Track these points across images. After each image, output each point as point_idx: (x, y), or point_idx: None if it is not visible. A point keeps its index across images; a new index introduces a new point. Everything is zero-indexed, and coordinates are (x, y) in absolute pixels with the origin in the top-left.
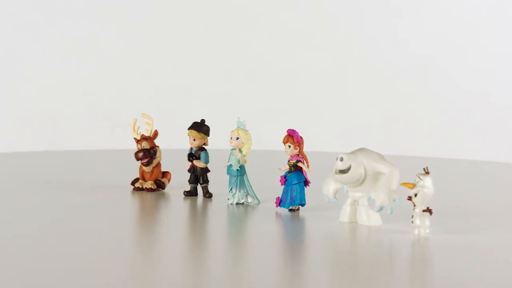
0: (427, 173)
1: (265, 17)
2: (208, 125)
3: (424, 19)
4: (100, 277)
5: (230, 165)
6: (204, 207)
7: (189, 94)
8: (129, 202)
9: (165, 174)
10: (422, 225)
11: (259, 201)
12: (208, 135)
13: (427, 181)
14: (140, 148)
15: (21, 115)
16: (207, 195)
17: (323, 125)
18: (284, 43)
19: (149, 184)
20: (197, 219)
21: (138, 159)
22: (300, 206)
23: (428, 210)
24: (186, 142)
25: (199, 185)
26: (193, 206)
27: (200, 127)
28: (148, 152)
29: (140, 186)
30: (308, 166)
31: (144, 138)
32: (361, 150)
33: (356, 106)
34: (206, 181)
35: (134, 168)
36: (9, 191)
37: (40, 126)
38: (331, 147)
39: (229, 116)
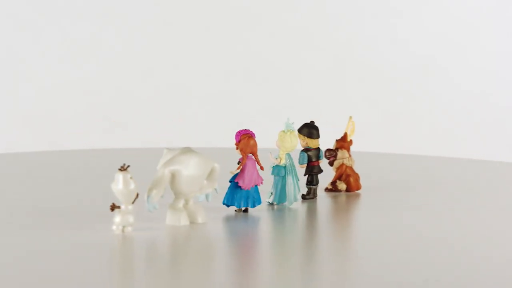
0: (122, 169)
1: (265, 17)
2: (312, 127)
3: (424, 19)
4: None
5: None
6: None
7: (189, 94)
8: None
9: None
10: (125, 222)
11: (277, 203)
12: (309, 137)
13: (118, 178)
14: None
15: (21, 115)
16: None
17: (323, 125)
18: (284, 43)
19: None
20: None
21: (324, 156)
22: (232, 206)
23: (116, 207)
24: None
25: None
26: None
27: (300, 129)
28: (333, 152)
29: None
30: (239, 167)
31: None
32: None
33: (356, 106)
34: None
35: (134, 169)
36: (8, 191)
37: (40, 126)
38: (331, 147)
39: (229, 116)
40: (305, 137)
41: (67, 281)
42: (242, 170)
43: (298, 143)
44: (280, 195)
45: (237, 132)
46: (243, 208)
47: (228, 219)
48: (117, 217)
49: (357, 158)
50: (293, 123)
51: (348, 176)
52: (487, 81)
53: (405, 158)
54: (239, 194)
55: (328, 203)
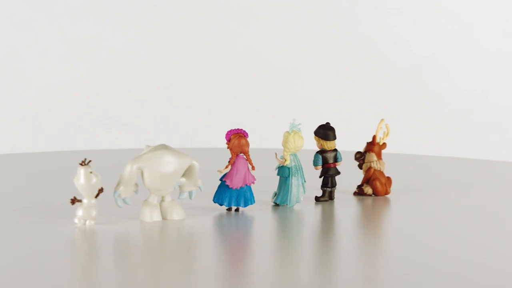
0: (83, 164)
1: (265, 17)
2: (327, 128)
3: (424, 19)
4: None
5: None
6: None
7: (189, 94)
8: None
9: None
10: (87, 216)
11: (280, 203)
12: (324, 139)
13: (79, 172)
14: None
15: (21, 115)
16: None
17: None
18: (284, 43)
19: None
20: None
21: (354, 159)
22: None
23: (77, 200)
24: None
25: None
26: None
27: (315, 131)
28: (361, 154)
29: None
30: (227, 166)
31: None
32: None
33: (356, 106)
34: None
35: None
36: (9, 191)
37: (40, 126)
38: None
39: (229, 115)
40: (320, 139)
41: (25, 274)
42: (231, 169)
43: (303, 144)
44: (283, 196)
45: (227, 131)
46: (234, 207)
47: (213, 217)
48: (79, 211)
49: (352, 160)
50: (299, 124)
51: (374, 179)
52: (487, 81)
53: (405, 158)
54: (228, 193)
55: (340, 206)
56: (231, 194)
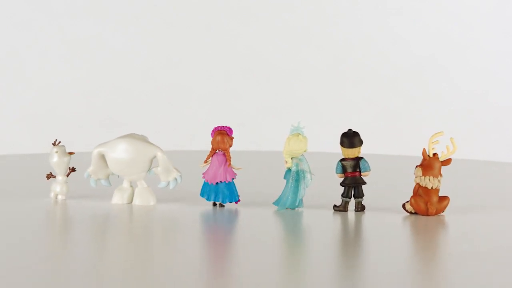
0: (54, 144)
1: (265, 17)
2: (344, 135)
3: (424, 19)
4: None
5: None
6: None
7: (189, 94)
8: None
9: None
10: (59, 191)
11: (281, 208)
12: (340, 145)
13: (52, 151)
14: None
15: (21, 115)
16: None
17: (323, 124)
18: (284, 43)
19: None
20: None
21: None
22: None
23: (51, 176)
24: (186, 141)
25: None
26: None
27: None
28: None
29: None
30: (205, 161)
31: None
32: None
33: (356, 106)
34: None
35: None
36: (9, 191)
37: (40, 126)
38: (331, 146)
39: (229, 115)
40: (340, 146)
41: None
42: (209, 165)
43: (299, 148)
44: (279, 198)
45: (213, 128)
46: (217, 203)
47: (189, 208)
48: (53, 185)
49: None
50: (303, 127)
51: (415, 196)
52: (487, 81)
53: (405, 157)
54: (207, 188)
55: (345, 219)
56: (210, 189)
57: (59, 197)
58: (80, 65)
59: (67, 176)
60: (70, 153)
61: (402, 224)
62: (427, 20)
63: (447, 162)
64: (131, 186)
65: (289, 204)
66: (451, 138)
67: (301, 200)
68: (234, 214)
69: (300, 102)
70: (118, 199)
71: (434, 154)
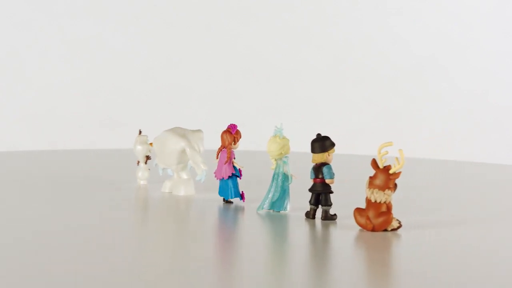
0: (140, 133)
1: (265, 17)
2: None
3: (424, 19)
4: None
5: None
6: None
7: (189, 94)
8: (132, 202)
9: None
10: (142, 177)
11: (261, 208)
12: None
13: (135, 141)
14: None
15: (21, 115)
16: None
17: (322, 124)
18: (284, 43)
19: None
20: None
21: None
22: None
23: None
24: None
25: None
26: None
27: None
28: None
29: None
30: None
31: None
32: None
33: (356, 106)
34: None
35: (133, 168)
36: (9, 191)
37: (40, 126)
38: None
39: (229, 116)
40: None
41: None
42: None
43: (272, 149)
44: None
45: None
46: (228, 200)
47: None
48: (139, 172)
49: (352, 161)
50: (283, 129)
51: (358, 208)
52: (487, 81)
53: (406, 159)
54: (220, 184)
55: (305, 227)
56: (222, 186)
57: (141, 182)
58: (80, 65)
59: (145, 163)
60: (150, 144)
61: (360, 237)
62: (427, 20)
63: (396, 175)
64: (178, 176)
65: (270, 205)
66: (399, 150)
67: (278, 202)
68: (233, 212)
69: (300, 102)
70: (163, 187)
71: (385, 167)
